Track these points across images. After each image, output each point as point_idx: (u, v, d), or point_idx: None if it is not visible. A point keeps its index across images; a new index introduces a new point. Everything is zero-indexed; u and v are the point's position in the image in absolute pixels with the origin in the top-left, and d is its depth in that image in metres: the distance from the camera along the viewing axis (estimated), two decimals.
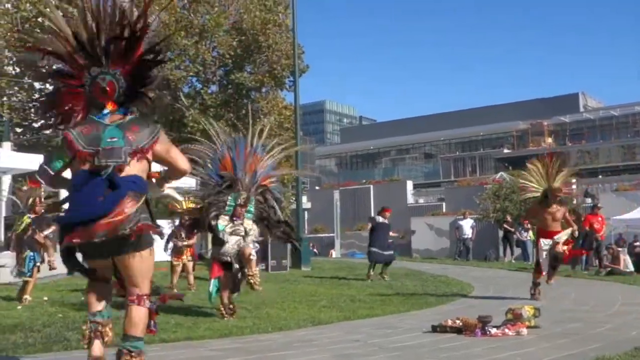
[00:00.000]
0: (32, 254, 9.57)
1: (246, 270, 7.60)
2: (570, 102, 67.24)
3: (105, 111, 3.84)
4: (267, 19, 24.93)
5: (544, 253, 9.76)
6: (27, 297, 9.32)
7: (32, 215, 9.78)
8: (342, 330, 6.69)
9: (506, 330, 6.14)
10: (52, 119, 4.12)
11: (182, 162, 3.99)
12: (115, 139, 3.72)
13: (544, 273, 9.83)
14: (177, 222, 11.41)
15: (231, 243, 7.55)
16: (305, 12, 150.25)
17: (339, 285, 12.41)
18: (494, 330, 6.11)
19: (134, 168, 3.73)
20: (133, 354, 3.62)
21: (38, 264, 9.61)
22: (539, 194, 10.07)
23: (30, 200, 10.10)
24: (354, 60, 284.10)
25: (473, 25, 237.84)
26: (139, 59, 3.88)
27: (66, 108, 4.01)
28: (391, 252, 14.17)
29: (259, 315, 7.79)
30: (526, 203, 28.06)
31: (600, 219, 16.95)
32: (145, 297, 3.72)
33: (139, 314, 3.70)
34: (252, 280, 7.54)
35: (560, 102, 66.70)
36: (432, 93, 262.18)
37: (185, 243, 11.35)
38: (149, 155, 3.81)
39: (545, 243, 9.77)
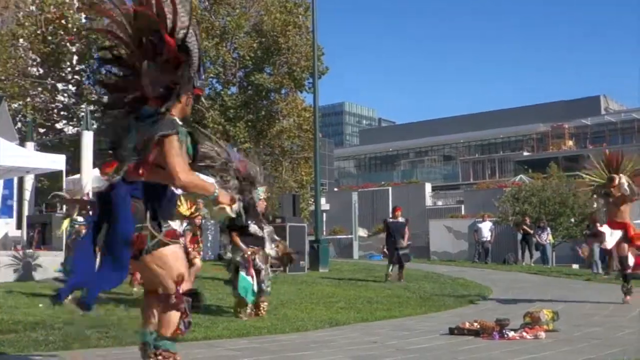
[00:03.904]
0: None
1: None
2: (591, 105, 66.63)
3: (147, 108, 3.77)
4: (287, 20, 25.01)
5: (610, 240, 9.47)
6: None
7: (81, 218, 10.20)
8: (359, 332, 6.70)
9: (524, 334, 6.11)
10: (122, 104, 3.95)
11: (173, 174, 3.60)
12: (131, 146, 3.73)
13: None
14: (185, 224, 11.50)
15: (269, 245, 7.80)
16: (326, 13, 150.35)
17: (356, 287, 12.42)
18: (511, 334, 6.08)
19: (142, 174, 3.68)
20: (158, 352, 3.61)
21: None
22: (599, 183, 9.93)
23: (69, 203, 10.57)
24: (373, 61, 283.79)
25: (494, 27, 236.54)
26: (174, 55, 3.78)
27: (131, 97, 3.87)
28: (405, 251, 13.97)
29: (277, 316, 7.83)
30: (545, 206, 28.13)
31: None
32: (171, 296, 3.62)
33: (165, 312, 3.64)
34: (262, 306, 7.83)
35: (582, 104, 66.11)
36: (452, 95, 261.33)
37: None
38: (157, 162, 3.66)
39: (608, 231, 9.48)
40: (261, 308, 7.97)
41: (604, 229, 9.54)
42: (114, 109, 3.98)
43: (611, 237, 9.50)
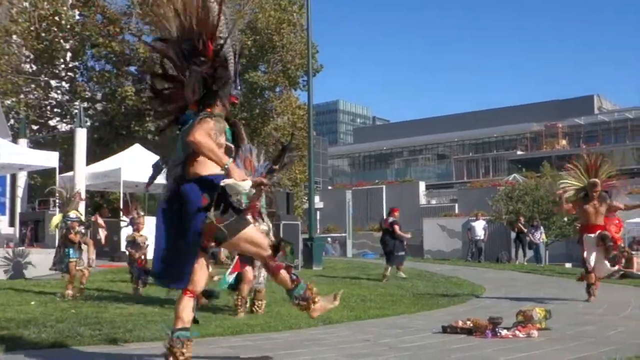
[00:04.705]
0: (66, 250, 9.98)
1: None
2: (584, 104, 66.88)
3: (188, 112, 4.11)
4: (281, 18, 25.00)
5: (592, 251, 9.66)
6: (69, 291, 9.59)
7: (74, 215, 10.28)
8: (353, 330, 6.70)
9: (517, 332, 6.12)
10: (166, 115, 4.40)
11: (191, 133, 3.88)
12: (179, 148, 4.07)
13: (593, 274, 9.73)
14: None
15: None
16: (320, 11, 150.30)
17: (350, 285, 12.42)
18: (504, 332, 6.09)
19: (195, 171, 4.00)
20: (174, 340, 3.96)
21: (72, 260, 9.85)
22: (578, 188, 10.09)
23: (65, 200, 10.69)
24: (368, 60, 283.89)
25: (489, 26, 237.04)
26: (212, 61, 4.04)
27: (175, 106, 4.26)
28: (402, 253, 14.23)
29: (270, 314, 7.83)
30: (539, 205, 28.25)
31: (617, 221, 16.83)
32: (268, 260, 4.13)
33: (281, 276, 4.25)
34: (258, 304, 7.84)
35: (575, 104, 66.36)
36: (446, 94, 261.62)
37: None
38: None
39: (589, 237, 9.72)
40: (256, 306, 7.96)
41: (585, 239, 9.79)
42: (161, 118, 4.45)
43: (591, 247, 9.76)
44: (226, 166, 3.89)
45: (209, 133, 3.89)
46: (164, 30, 4.17)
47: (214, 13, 4.03)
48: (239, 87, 4.34)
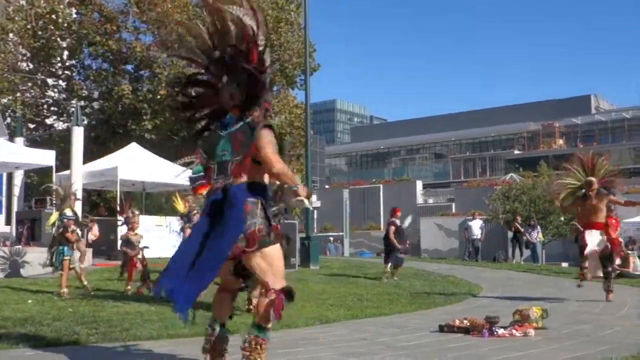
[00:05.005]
0: (61, 247, 9.98)
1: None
2: (582, 104, 67.03)
3: (230, 117, 4.21)
4: (279, 17, 24.98)
5: (591, 243, 9.71)
6: (64, 290, 9.62)
7: (70, 213, 10.29)
8: (349, 329, 6.70)
9: (513, 331, 6.14)
10: (201, 120, 4.46)
11: (270, 163, 3.93)
12: (225, 152, 4.11)
13: (587, 269, 9.76)
14: (185, 218, 11.51)
15: None
16: (317, 10, 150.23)
17: (347, 284, 12.43)
18: (501, 331, 6.11)
19: (245, 175, 4.03)
20: (252, 339, 3.92)
21: (67, 257, 9.88)
22: (575, 187, 10.15)
23: (62, 198, 10.71)
24: (365, 59, 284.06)
25: (485, 25, 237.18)
26: (254, 66, 4.12)
27: (208, 111, 4.41)
28: (402, 255, 14.01)
29: None
30: (536, 204, 28.27)
31: (614, 221, 16.85)
32: (270, 291, 3.90)
33: (262, 304, 3.93)
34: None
35: (572, 103, 66.50)
36: (444, 93, 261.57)
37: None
38: (255, 158, 4.00)
39: (590, 232, 9.77)
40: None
41: (587, 238, 9.82)
42: (196, 122, 4.45)
43: (591, 237, 9.80)
44: (298, 186, 3.97)
45: (275, 148, 3.98)
46: (202, 45, 4.27)
47: (253, 23, 4.14)
48: (271, 93, 4.45)
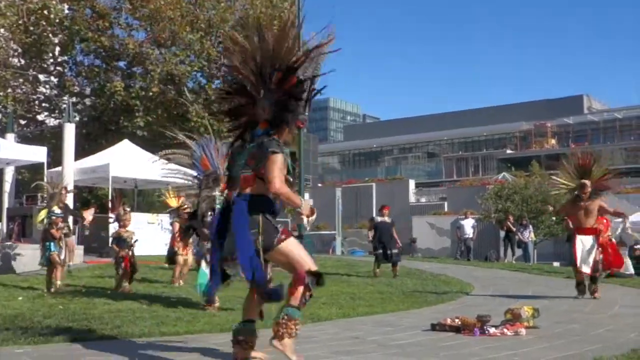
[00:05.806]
0: (47, 243, 10.03)
1: None
2: (574, 104, 67.23)
3: (259, 130, 4.47)
4: (272, 15, 24.90)
5: (580, 249, 9.74)
6: (57, 282, 9.71)
7: (58, 210, 10.31)
8: (341, 327, 6.70)
9: (505, 330, 6.15)
10: (238, 128, 4.76)
11: (270, 185, 4.21)
12: (240, 164, 4.46)
13: (583, 270, 9.78)
14: (175, 217, 11.52)
15: None
16: (310, 8, 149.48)
17: (339, 283, 12.41)
18: (492, 330, 6.12)
19: (250, 188, 4.37)
20: (285, 317, 4.33)
21: (54, 252, 9.87)
22: (570, 187, 10.20)
23: (50, 195, 10.73)
24: (358, 57, 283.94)
25: (478, 25, 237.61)
26: (289, 89, 4.42)
27: (246, 119, 4.68)
28: (395, 251, 14.16)
29: None
30: (528, 204, 28.37)
31: (605, 221, 16.90)
32: (298, 279, 4.34)
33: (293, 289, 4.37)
34: None
35: (564, 103, 66.68)
36: (436, 92, 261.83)
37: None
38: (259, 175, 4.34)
39: (581, 239, 9.79)
40: None
41: (577, 239, 9.85)
42: (234, 130, 4.79)
43: (582, 245, 9.85)
44: (299, 208, 4.42)
45: (281, 171, 4.27)
46: (248, 59, 4.49)
47: (296, 47, 4.44)
48: (307, 112, 4.65)
